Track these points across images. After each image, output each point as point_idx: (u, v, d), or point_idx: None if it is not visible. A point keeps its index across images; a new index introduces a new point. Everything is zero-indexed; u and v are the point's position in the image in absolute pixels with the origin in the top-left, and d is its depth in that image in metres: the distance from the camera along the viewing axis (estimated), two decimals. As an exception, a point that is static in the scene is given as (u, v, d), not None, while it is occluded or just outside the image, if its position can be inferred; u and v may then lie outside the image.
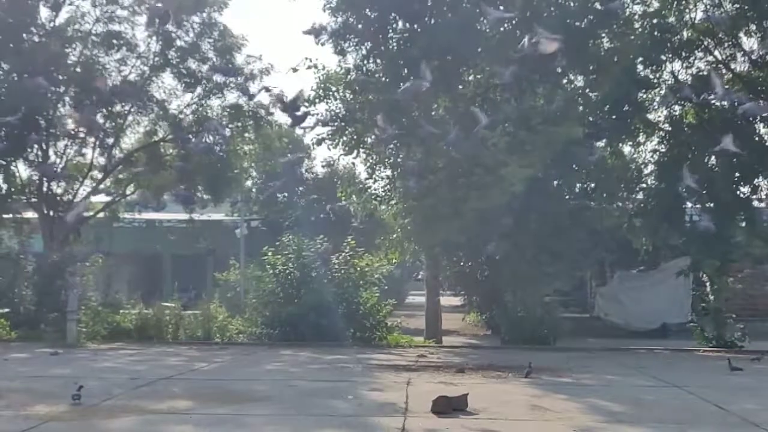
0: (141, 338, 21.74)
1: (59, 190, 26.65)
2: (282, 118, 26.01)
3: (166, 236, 35.68)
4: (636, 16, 22.45)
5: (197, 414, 10.32)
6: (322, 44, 22.13)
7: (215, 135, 24.96)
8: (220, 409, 10.66)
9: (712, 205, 22.41)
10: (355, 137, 22.94)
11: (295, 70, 20.86)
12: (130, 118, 26.48)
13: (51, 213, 25.88)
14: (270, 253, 22.49)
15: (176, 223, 33.98)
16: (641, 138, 24.14)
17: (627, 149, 24.38)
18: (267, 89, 23.22)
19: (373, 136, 22.84)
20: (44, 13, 25.12)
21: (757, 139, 22.73)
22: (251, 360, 17.46)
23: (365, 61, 22.32)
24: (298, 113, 20.07)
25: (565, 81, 22.32)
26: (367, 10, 21.69)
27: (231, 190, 27.48)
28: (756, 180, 22.61)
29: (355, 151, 23.33)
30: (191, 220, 27.70)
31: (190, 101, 26.39)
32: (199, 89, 26.03)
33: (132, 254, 36.07)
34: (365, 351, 19.43)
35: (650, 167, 24.11)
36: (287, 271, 21.85)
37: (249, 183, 36.84)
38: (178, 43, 25.62)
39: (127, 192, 27.54)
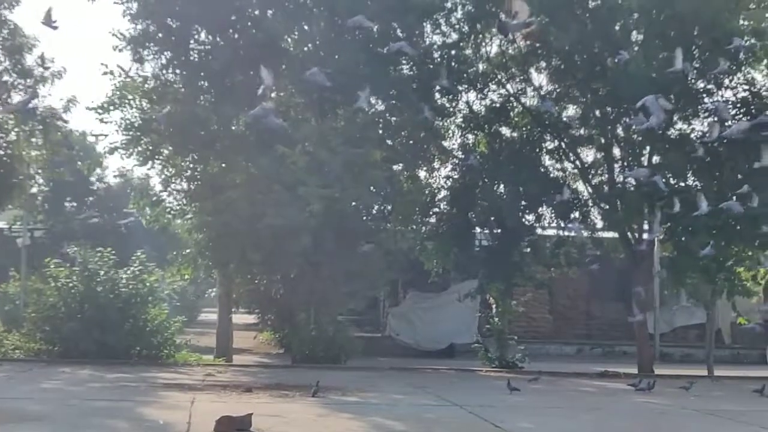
0: None
1: None
2: (74, 124, 24.90)
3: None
4: (435, 46, 23.14)
5: (-43, 436, 9.58)
6: (120, 50, 21.48)
7: None
8: (-16, 430, 9.95)
9: (499, 230, 23.40)
10: (150, 148, 22.26)
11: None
12: None
13: None
14: (53, 265, 21.40)
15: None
16: (436, 164, 24.83)
17: (423, 174, 25.00)
18: None
19: (170, 148, 22.24)
20: None
21: (543, 170, 23.96)
22: (26, 377, 16.50)
23: (164, 71, 21.80)
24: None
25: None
26: (169, 19, 21.22)
27: (13, 198, 25.88)
28: (540, 209, 23.79)
29: (150, 162, 22.63)
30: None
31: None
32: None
33: None
34: (151, 369, 18.79)
35: (443, 192, 24.85)
36: (70, 285, 20.85)
37: (35, 190, 34.87)
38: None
39: None
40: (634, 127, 19.01)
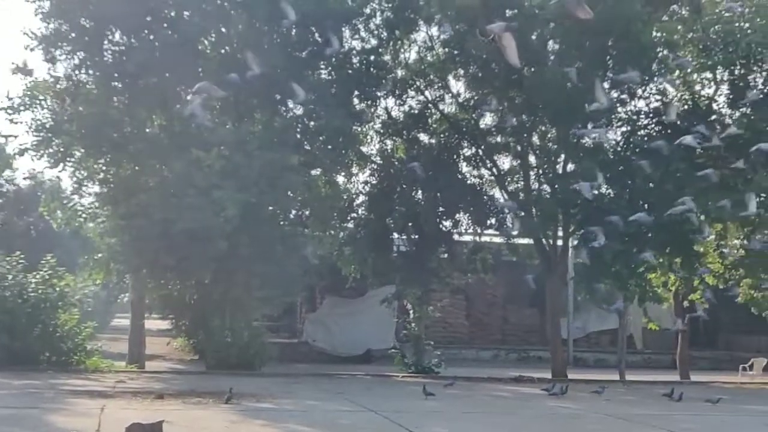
0: None
1: None
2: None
3: None
4: (354, 52, 23.12)
5: None
6: (32, 50, 20.88)
7: None
8: None
9: (417, 236, 23.48)
10: (62, 149, 21.67)
11: None
12: None
13: None
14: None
15: None
16: (354, 169, 24.81)
17: (341, 179, 24.96)
18: None
19: (82, 150, 21.70)
20: None
21: (460, 176, 24.14)
22: (-73, 385, 15.87)
23: (77, 71, 21.29)
24: None
25: (283, 109, 22.50)
26: (83, 19, 20.74)
27: None
28: (457, 215, 23.98)
29: (62, 164, 22.02)
30: None
31: None
32: None
33: None
34: (60, 376, 18.30)
35: (362, 198, 24.85)
36: (-24, 290, 20.18)
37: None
38: None
39: None
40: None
